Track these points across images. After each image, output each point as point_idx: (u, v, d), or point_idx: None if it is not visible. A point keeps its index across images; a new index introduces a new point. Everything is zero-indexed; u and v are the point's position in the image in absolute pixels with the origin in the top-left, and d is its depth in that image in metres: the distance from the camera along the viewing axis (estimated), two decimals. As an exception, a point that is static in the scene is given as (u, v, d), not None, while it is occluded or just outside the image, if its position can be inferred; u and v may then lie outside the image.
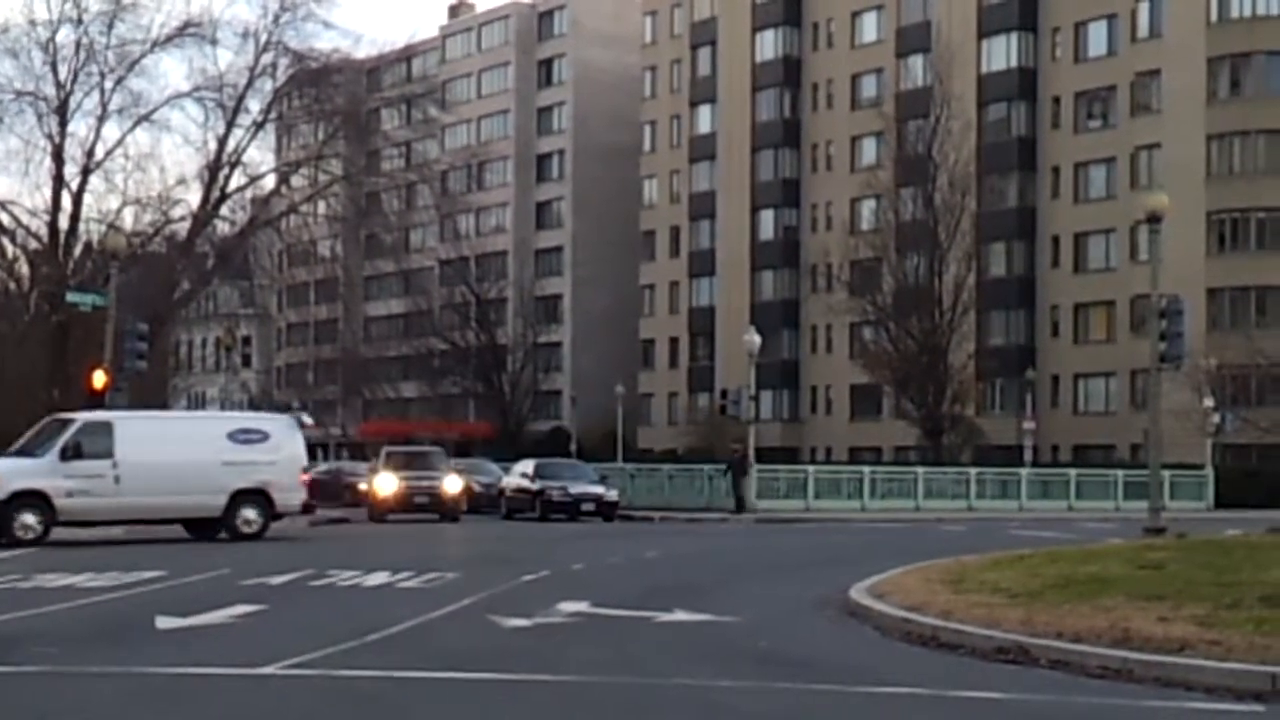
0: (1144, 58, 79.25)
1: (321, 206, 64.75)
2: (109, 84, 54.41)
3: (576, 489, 46.52)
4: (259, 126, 58.11)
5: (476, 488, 50.58)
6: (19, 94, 54.02)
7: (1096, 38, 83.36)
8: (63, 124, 54.08)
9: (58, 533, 31.90)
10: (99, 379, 38.91)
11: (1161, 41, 78.35)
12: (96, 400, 39.36)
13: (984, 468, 59.87)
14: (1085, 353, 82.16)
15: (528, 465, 49.65)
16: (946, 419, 74.97)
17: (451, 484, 44.82)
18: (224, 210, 58.19)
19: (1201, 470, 60.25)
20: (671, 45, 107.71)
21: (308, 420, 36.49)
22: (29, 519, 31.00)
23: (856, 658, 14.37)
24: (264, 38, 56.33)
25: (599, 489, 46.88)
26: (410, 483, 44.61)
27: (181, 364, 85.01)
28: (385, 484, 44.84)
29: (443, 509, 44.09)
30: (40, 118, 54.11)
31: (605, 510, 45.97)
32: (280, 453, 33.02)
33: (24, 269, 57.26)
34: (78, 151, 54.66)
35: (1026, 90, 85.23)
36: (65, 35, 54.37)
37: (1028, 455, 66.65)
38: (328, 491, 56.43)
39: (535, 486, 46.68)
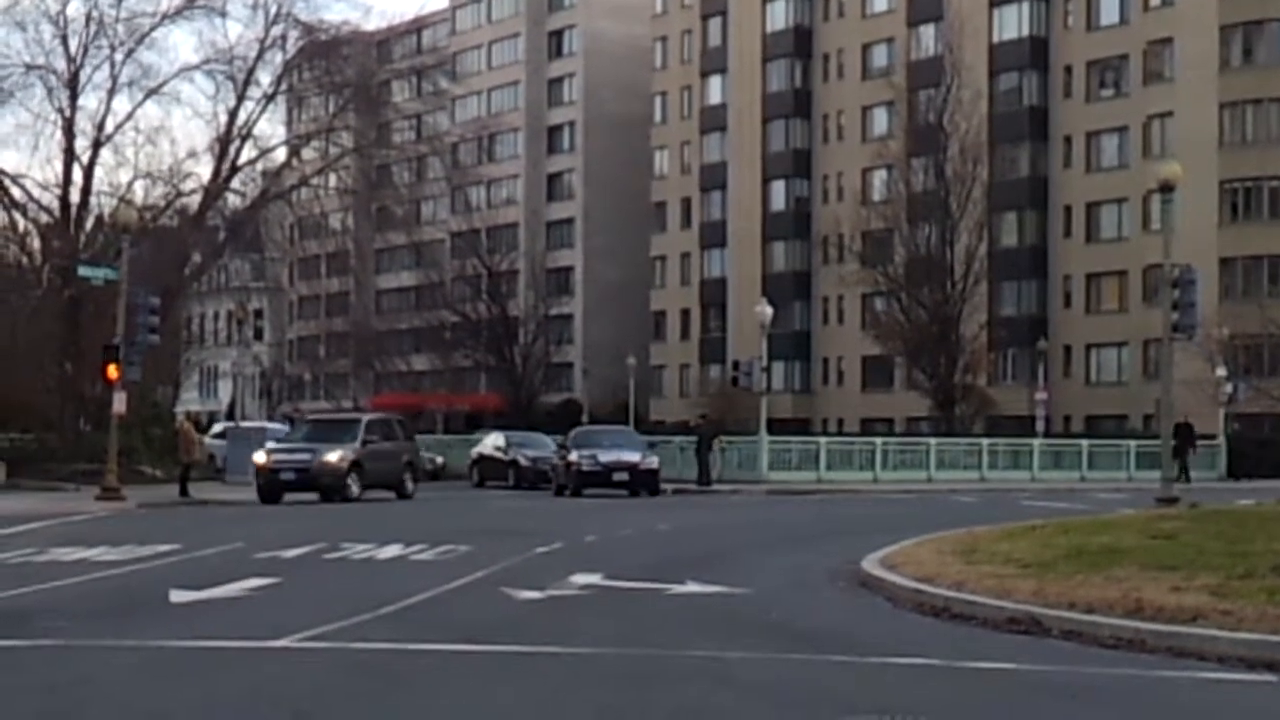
0: (1156, 26, 78.91)
1: (332, 179, 64.77)
2: (119, 57, 54.50)
3: (608, 457, 41.75)
4: (269, 99, 58.16)
5: (523, 461, 48.40)
6: (29, 67, 54.11)
7: (1108, 6, 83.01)
8: (73, 97, 54.16)
9: (71, 505, 32.14)
10: (113, 370, 38.93)
11: (1174, 9, 78.03)
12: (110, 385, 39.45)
13: (996, 438, 59.73)
14: (1097, 323, 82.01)
15: (571, 435, 46.15)
16: (958, 390, 74.93)
17: (333, 456, 37.76)
18: (235, 183, 58.28)
19: (1214, 440, 60.11)
20: (682, 15, 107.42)
21: None
22: None
23: (868, 629, 14.39)
24: (273, 10, 56.40)
25: (634, 456, 41.95)
26: (278, 456, 38.32)
27: (194, 338, 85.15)
28: (257, 458, 39.05)
29: (316, 488, 37.38)
30: (50, 91, 54.23)
31: (643, 480, 41.25)
32: None
33: (35, 243, 57.41)
34: (88, 125, 54.78)
35: (1038, 59, 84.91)
36: (75, 8, 54.71)
37: (1040, 426, 66.53)
38: None
39: (571, 457, 42.53)
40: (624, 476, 41.23)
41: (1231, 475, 56.88)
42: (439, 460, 55.44)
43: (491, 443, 52.19)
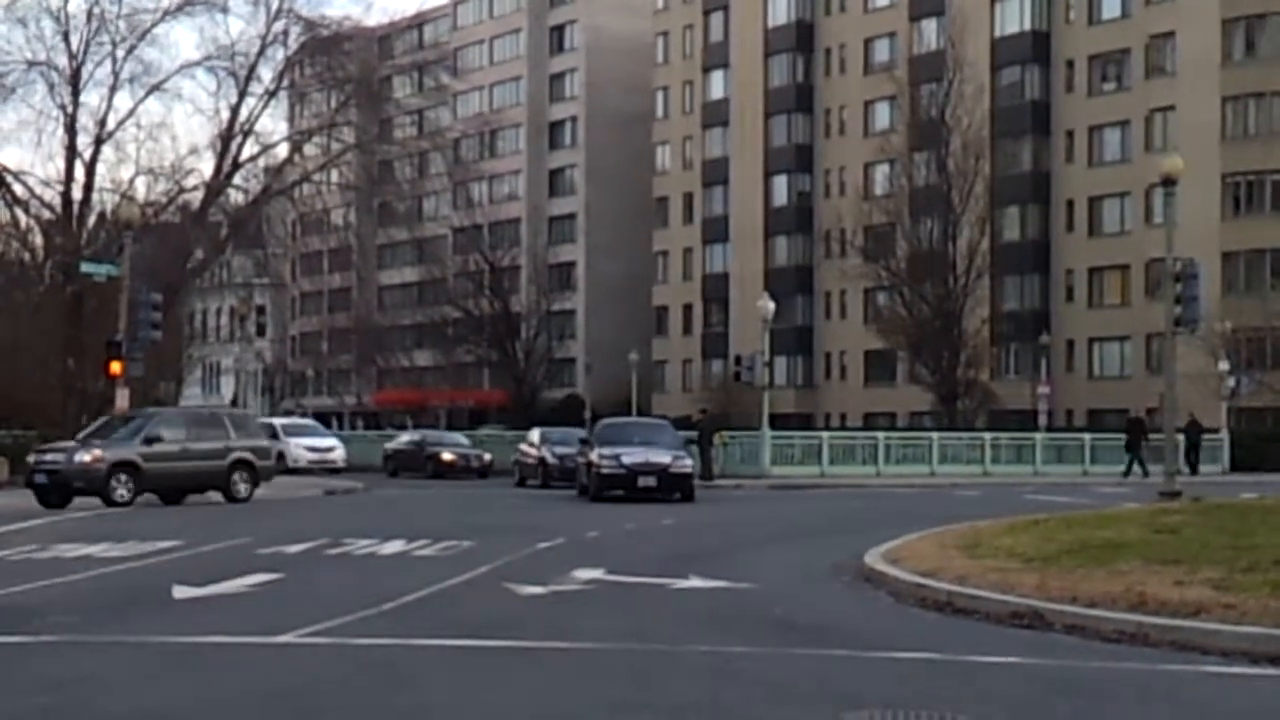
0: (1158, 20, 78.87)
1: (334, 175, 64.77)
2: (121, 53, 54.43)
3: (633, 458, 36.28)
4: (271, 95, 58.10)
5: (551, 459, 45.91)
6: (31, 64, 54.03)
7: (1110, 0, 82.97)
8: (75, 94, 54.09)
9: (74, 501, 32.30)
10: (115, 366, 38.93)
11: (1175, 3, 77.98)
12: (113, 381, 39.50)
13: (999, 432, 59.75)
14: (1100, 317, 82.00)
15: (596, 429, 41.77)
16: (961, 384, 74.94)
17: (86, 457, 33.76)
18: (237, 179, 58.22)
19: (1217, 434, 60.10)
20: (683, 10, 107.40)
21: None
22: None
23: (871, 623, 14.39)
24: (275, 5, 56.30)
25: (664, 457, 36.51)
26: (38, 455, 35.09)
27: (196, 334, 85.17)
28: (30, 459, 35.69)
29: (74, 491, 33.52)
30: (52, 87, 54.17)
31: (674, 485, 36.02)
32: None
33: (38, 239, 57.34)
34: (90, 121, 54.73)
35: (1040, 53, 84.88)
36: (76, 4, 54.95)
37: (1042, 420, 66.54)
38: (410, 462, 55.79)
39: (592, 456, 37.25)
40: (651, 481, 35.85)
41: (1234, 469, 56.80)
42: (486, 457, 54.83)
43: (529, 439, 50.72)
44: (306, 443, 55.46)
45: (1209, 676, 11.37)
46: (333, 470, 53.17)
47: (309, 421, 65.55)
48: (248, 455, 36.36)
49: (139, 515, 30.89)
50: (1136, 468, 51.49)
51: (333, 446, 56.30)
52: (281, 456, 53.26)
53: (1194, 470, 54.02)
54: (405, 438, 60.60)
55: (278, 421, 60.62)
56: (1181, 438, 56.81)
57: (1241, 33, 76.01)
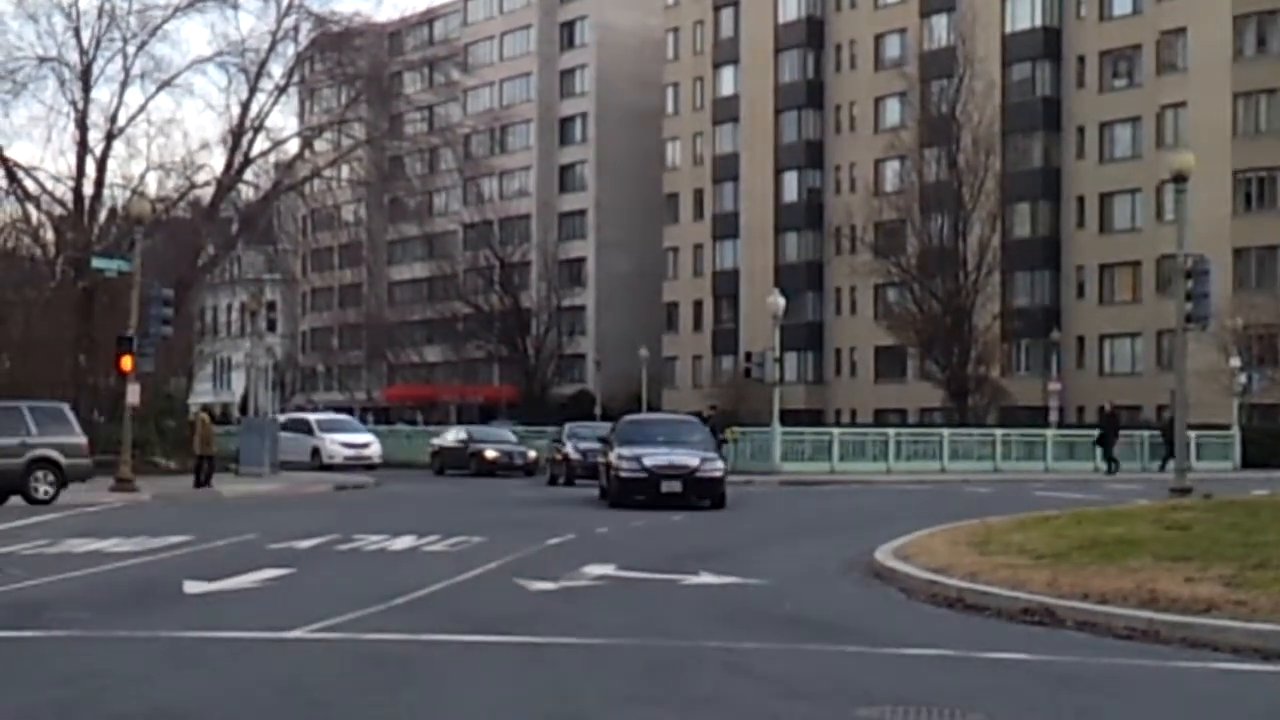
0: (1169, 16, 78.67)
1: (345, 171, 64.77)
2: (131, 49, 54.46)
3: (655, 460, 32.04)
4: (281, 91, 58.12)
5: (574, 455, 44.72)
6: (42, 60, 54.09)
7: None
8: (86, 90, 54.14)
9: (85, 496, 32.32)
10: (126, 362, 38.98)
11: (1187, -1, 77.87)
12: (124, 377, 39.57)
13: (1009, 429, 59.65)
14: (1111, 313, 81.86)
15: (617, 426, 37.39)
16: (972, 380, 74.84)
17: None
18: (248, 175, 58.25)
19: (1228, 430, 60.00)
20: (694, 6, 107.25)
21: None
22: None
23: (882, 620, 14.39)
24: (285, 1, 56.29)
25: (691, 459, 32.16)
26: None
27: (207, 329, 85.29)
28: None
29: None
30: (63, 83, 54.22)
31: (703, 490, 31.84)
32: None
33: (49, 235, 57.40)
34: (101, 117, 54.78)
35: (1051, 49, 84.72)
36: (87, 0, 54.50)
37: (1053, 416, 66.44)
38: (456, 459, 55.48)
39: (611, 457, 33.36)
40: (676, 486, 31.65)
41: (1246, 465, 56.65)
42: (531, 455, 54.26)
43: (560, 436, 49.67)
44: (342, 439, 55.05)
45: (1220, 673, 11.36)
46: (368, 466, 52.89)
47: (344, 417, 64.91)
48: (51, 453, 32.68)
49: (148, 510, 30.94)
50: (1107, 462, 51.48)
51: (368, 443, 55.91)
52: (317, 452, 53.46)
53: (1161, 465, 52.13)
54: (451, 435, 59.35)
55: (313, 417, 60.38)
56: (1148, 434, 57.21)
57: (1253, 29, 75.83)
